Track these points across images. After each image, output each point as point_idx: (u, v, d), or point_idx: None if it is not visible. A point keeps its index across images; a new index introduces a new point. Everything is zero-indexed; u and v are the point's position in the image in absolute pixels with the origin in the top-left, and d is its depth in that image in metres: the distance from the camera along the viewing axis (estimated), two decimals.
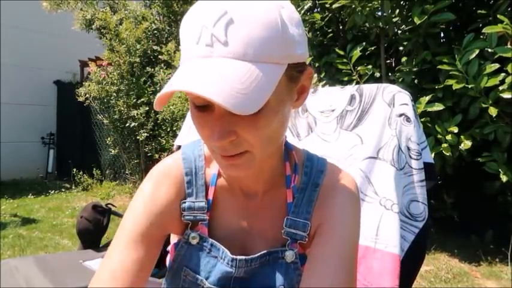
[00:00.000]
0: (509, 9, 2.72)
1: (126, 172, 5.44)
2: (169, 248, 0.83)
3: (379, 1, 3.03)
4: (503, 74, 2.50)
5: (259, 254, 0.62)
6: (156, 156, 4.80)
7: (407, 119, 1.00)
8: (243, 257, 0.62)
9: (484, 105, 2.57)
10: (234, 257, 0.62)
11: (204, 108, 0.51)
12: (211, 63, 0.46)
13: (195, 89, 0.43)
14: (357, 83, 3.12)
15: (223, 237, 0.64)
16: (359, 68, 3.19)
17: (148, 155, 4.98)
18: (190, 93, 0.49)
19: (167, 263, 0.92)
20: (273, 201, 0.65)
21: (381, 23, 3.10)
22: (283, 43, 0.48)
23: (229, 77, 0.44)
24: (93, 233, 1.90)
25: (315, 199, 0.63)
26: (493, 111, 2.49)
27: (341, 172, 0.67)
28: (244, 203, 0.65)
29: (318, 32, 3.66)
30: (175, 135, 4.29)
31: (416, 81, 3.07)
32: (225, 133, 0.49)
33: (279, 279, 0.62)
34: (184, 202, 0.64)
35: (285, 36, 0.48)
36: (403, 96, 1.02)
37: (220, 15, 0.46)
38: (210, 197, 0.64)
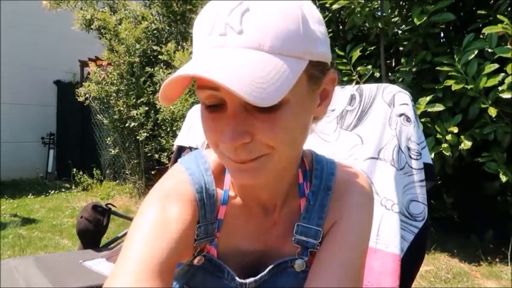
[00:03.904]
0: (509, 9, 2.72)
1: (126, 172, 5.43)
2: None
3: (379, 1, 3.03)
4: (502, 74, 2.50)
5: (268, 269, 0.58)
6: (156, 156, 4.80)
7: (407, 119, 1.00)
8: (253, 279, 0.58)
9: (483, 106, 2.57)
10: (243, 281, 0.57)
11: (216, 108, 0.47)
12: (224, 53, 0.42)
13: (207, 73, 0.39)
14: (357, 83, 3.12)
15: (233, 257, 0.59)
16: (359, 68, 3.20)
17: (148, 155, 4.98)
18: (202, 91, 0.46)
19: None
20: (288, 214, 0.60)
21: (380, 23, 3.10)
22: (302, 37, 0.44)
23: (244, 67, 0.40)
24: (93, 233, 1.91)
25: (328, 204, 0.60)
26: (492, 112, 2.50)
27: (352, 172, 0.64)
28: (261, 219, 0.60)
29: None
30: (175, 135, 4.29)
31: (416, 81, 3.07)
32: (238, 133, 0.44)
33: (286, 287, 0.59)
34: (200, 227, 0.57)
35: (305, 30, 0.44)
36: (403, 96, 1.02)
37: (236, 5, 0.43)
38: (221, 216, 0.58)
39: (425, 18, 2.75)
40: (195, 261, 0.58)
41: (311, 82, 0.49)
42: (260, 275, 0.58)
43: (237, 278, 0.57)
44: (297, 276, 0.59)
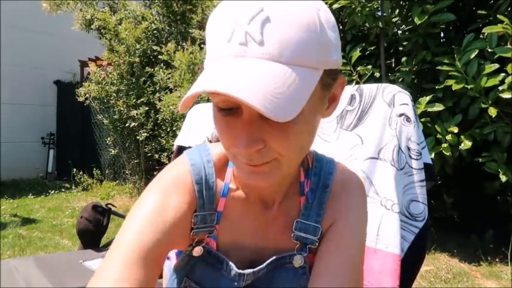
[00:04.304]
0: (509, 9, 2.72)
1: (126, 172, 5.43)
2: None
3: (379, 1, 3.03)
4: (503, 74, 2.50)
5: (266, 262, 0.59)
6: (156, 156, 4.81)
7: (408, 119, 1.00)
8: (251, 271, 0.59)
9: (483, 106, 2.57)
10: (241, 271, 0.58)
11: (229, 112, 0.47)
12: (245, 64, 0.42)
13: (229, 90, 0.39)
14: (357, 83, 3.12)
15: (232, 250, 0.61)
16: (359, 68, 3.20)
17: (148, 155, 4.98)
18: (217, 95, 0.44)
19: (164, 267, 0.92)
20: (287, 210, 0.62)
21: (380, 23, 3.10)
22: (320, 47, 0.45)
23: (265, 80, 0.41)
24: (93, 233, 1.90)
25: (325, 201, 0.62)
26: (492, 112, 2.50)
27: (349, 172, 0.66)
28: (260, 214, 0.61)
29: None
30: (175, 135, 4.29)
31: (416, 81, 3.07)
32: (252, 141, 0.45)
33: (285, 283, 0.60)
34: (197, 216, 0.58)
35: (323, 40, 0.45)
36: (403, 96, 1.02)
37: (256, 13, 0.42)
38: (221, 208, 0.60)
39: (425, 18, 2.75)
40: (194, 251, 0.59)
41: (323, 89, 0.50)
42: (258, 268, 0.59)
43: (235, 269, 0.58)
44: (295, 272, 0.60)
